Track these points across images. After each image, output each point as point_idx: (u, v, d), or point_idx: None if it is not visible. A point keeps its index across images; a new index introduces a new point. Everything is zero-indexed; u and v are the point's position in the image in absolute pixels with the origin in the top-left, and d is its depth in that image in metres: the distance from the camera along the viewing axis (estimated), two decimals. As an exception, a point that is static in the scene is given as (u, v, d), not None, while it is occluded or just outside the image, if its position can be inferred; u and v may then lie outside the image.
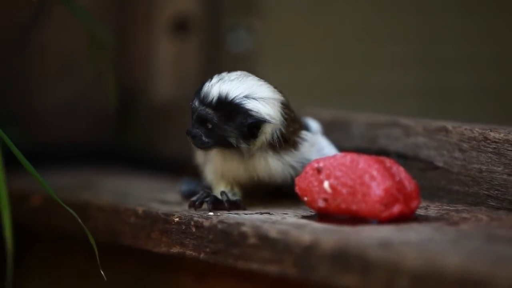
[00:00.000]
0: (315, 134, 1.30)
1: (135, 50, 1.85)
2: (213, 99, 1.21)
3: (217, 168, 1.26)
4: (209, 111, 1.21)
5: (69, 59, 1.80)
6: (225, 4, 1.88)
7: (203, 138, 1.22)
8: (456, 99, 2.01)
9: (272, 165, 1.24)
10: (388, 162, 1.15)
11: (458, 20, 2.01)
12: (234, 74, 1.23)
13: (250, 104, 1.21)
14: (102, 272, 1.22)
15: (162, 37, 1.84)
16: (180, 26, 1.83)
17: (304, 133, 1.27)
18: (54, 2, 1.74)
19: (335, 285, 1.03)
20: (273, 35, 1.94)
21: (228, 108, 1.20)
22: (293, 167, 1.25)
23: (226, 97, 1.20)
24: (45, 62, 1.80)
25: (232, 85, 1.21)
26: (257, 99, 1.21)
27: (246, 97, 1.21)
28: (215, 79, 1.22)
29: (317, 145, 1.28)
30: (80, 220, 1.20)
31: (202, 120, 1.22)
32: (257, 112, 1.21)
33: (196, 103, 1.22)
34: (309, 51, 1.99)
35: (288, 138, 1.24)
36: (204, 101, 1.21)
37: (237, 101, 1.20)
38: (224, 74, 1.23)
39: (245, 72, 1.25)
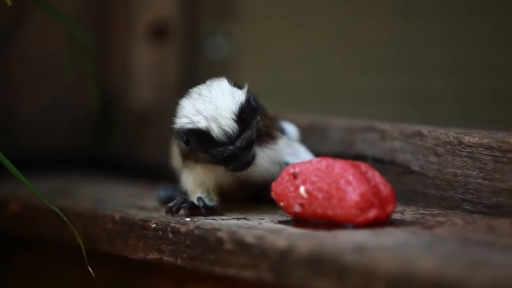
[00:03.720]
0: (292, 141, 1.31)
1: (113, 56, 1.85)
2: (234, 129, 1.19)
3: (198, 171, 1.26)
4: (246, 132, 1.20)
5: (48, 64, 1.80)
6: (203, 10, 1.89)
7: (254, 153, 1.21)
8: (434, 103, 2.01)
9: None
10: (363, 166, 1.15)
11: (436, 25, 2.02)
12: (199, 103, 1.21)
13: (246, 98, 1.21)
14: (90, 269, 1.22)
15: (141, 43, 1.84)
16: (158, 32, 1.84)
17: (278, 131, 1.28)
18: (33, 8, 1.74)
19: (311, 290, 1.04)
20: (251, 41, 1.95)
21: (244, 116, 1.20)
22: (273, 162, 1.25)
23: (236, 113, 1.19)
24: (24, 68, 1.80)
25: (222, 102, 1.20)
26: (237, 96, 1.21)
27: (232, 96, 1.21)
28: (207, 119, 1.19)
29: (294, 147, 1.29)
30: (70, 223, 1.20)
31: (249, 144, 1.21)
32: (254, 100, 1.22)
33: (231, 147, 1.19)
34: (287, 56, 2.00)
35: (264, 131, 1.24)
36: (235, 133, 1.19)
37: (241, 104, 1.20)
38: (190, 111, 1.21)
39: (195, 89, 1.24)
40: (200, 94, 1.22)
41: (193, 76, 1.86)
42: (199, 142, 1.21)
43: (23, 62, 1.79)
